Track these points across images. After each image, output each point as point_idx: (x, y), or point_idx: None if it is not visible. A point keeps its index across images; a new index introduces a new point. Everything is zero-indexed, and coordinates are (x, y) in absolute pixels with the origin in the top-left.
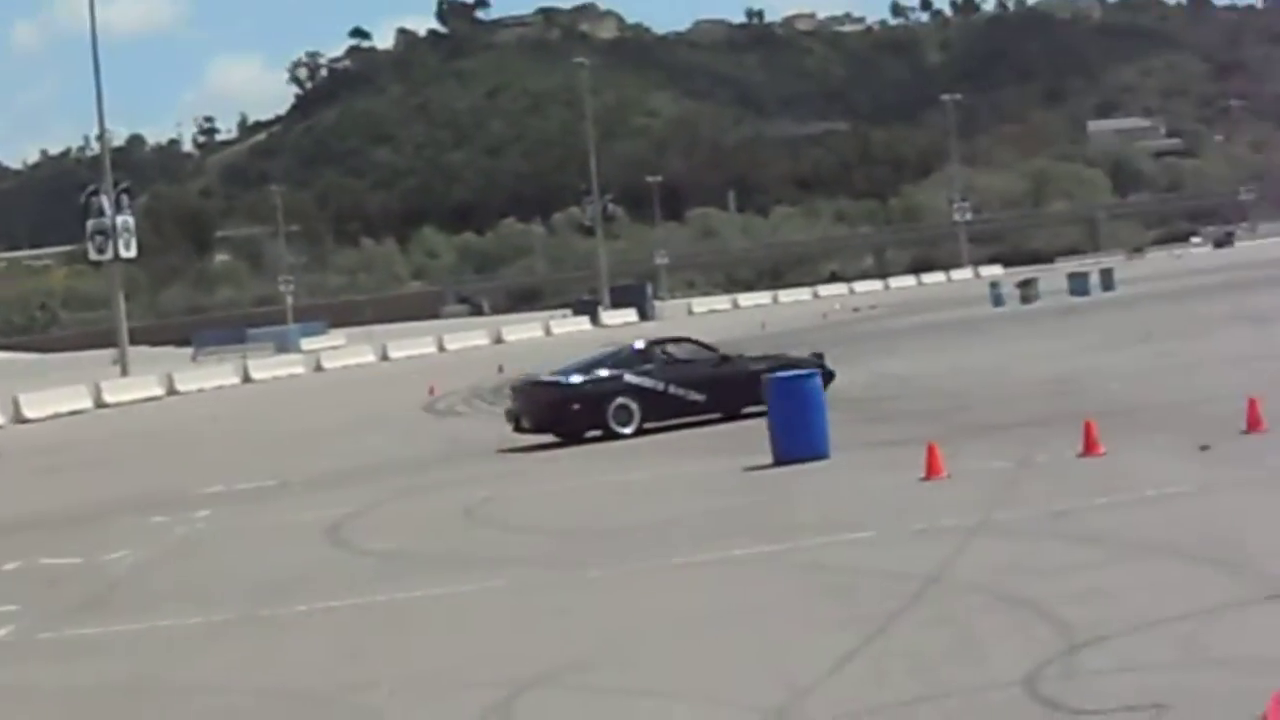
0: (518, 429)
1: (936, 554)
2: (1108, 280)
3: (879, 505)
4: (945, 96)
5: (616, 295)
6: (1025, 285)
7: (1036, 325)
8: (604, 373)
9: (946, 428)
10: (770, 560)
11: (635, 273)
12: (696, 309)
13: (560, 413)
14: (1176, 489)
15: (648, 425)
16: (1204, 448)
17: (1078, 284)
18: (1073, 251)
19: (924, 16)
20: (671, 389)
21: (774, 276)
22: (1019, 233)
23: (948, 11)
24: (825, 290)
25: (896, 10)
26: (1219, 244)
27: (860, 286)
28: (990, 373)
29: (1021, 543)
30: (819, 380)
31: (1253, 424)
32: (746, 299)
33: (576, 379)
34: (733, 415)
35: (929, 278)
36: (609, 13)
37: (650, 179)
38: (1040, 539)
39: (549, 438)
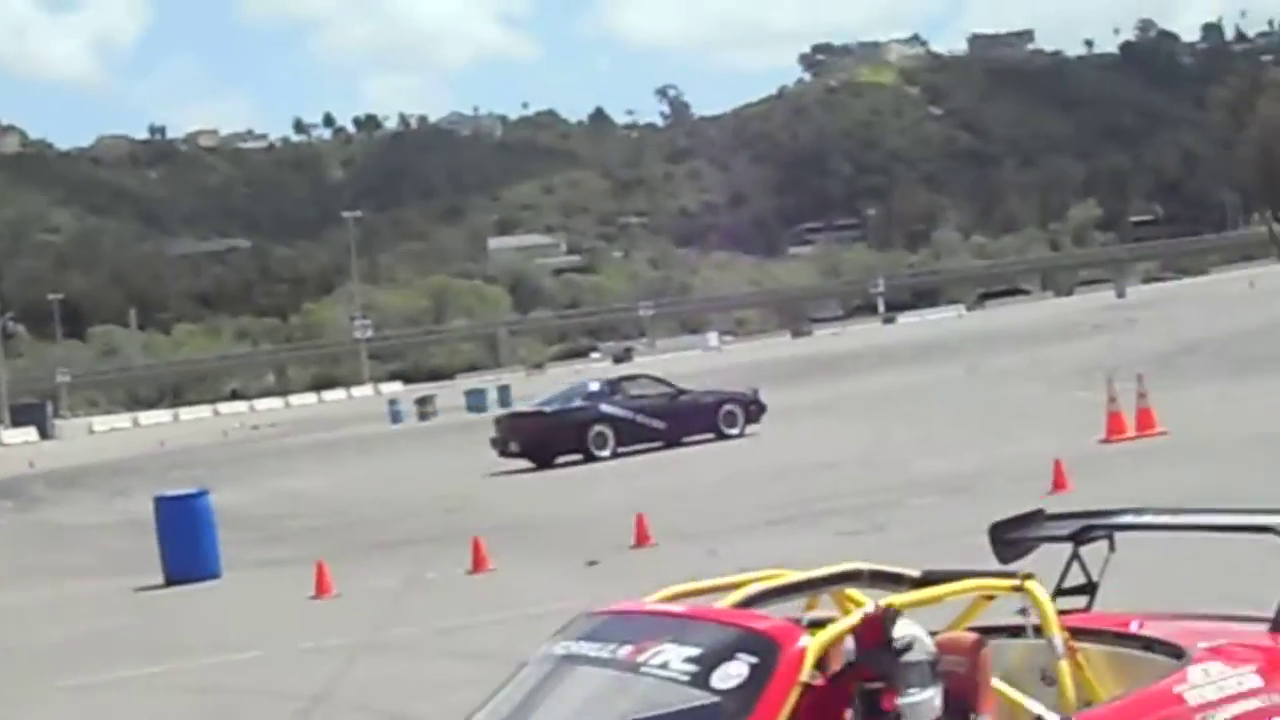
0: (504, 454)
1: (323, 672)
2: (505, 396)
3: (267, 624)
4: (346, 213)
5: (17, 414)
6: (423, 402)
7: (433, 441)
8: (581, 403)
9: (339, 546)
10: (157, 681)
11: (37, 391)
12: (97, 427)
13: (546, 438)
14: (561, 604)
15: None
16: (592, 563)
17: (475, 400)
18: (473, 368)
19: (326, 133)
20: (639, 418)
21: (176, 394)
22: (420, 349)
23: (350, 128)
24: (226, 408)
25: (299, 127)
26: (618, 359)
27: (261, 404)
28: (385, 490)
29: (407, 660)
30: (209, 499)
31: (640, 539)
32: (147, 417)
33: (558, 408)
34: (675, 442)
35: (330, 395)
36: (11, 127)
37: (52, 296)
38: (425, 656)
39: None
